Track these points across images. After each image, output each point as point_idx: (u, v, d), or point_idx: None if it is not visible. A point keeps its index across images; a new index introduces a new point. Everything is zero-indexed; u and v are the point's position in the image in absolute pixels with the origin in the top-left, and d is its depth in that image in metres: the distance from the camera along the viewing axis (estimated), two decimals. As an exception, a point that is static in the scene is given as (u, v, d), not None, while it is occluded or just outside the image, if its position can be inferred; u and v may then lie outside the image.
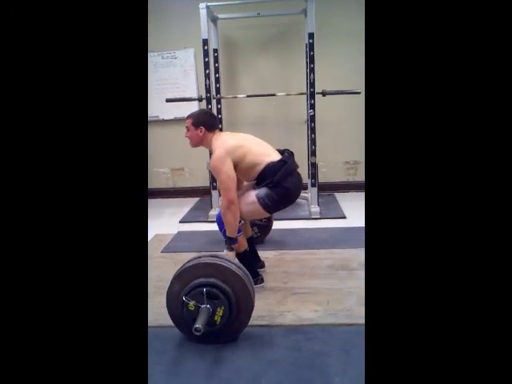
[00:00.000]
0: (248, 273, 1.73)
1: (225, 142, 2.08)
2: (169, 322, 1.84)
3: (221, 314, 1.59)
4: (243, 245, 2.16)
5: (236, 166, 2.04)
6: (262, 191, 2.06)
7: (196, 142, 2.16)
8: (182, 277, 1.68)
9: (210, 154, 2.16)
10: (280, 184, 2.04)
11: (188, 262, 1.72)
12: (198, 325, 1.49)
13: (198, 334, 1.47)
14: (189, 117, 2.15)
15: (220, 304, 1.59)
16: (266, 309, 1.93)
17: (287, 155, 2.14)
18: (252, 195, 2.08)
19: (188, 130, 2.13)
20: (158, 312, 1.94)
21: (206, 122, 2.13)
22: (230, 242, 2.06)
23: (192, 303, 1.59)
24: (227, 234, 2.06)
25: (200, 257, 1.73)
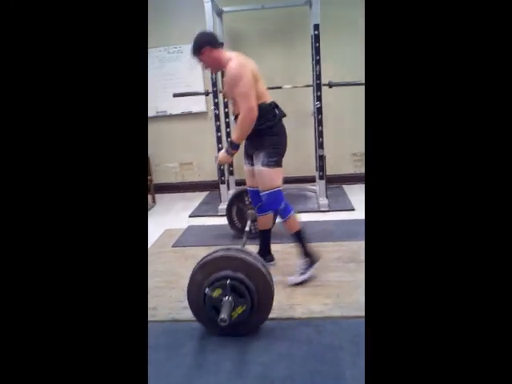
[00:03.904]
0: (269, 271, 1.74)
1: (243, 57, 2.00)
2: (181, 316, 1.88)
3: (240, 311, 1.60)
4: (297, 224, 2.13)
5: None
6: (260, 157, 2.03)
7: (214, 65, 2.06)
8: (207, 267, 1.67)
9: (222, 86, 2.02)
10: (272, 130, 2.01)
11: (214, 252, 1.71)
12: (224, 315, 1.50)
13: (223, 324, 1.49)
14: (193, 54, 2.02)
15: (243, 303, 1.60)
16: (276, 302, 1.95)
17: (274, 103, 2.07)
18: (260, 169, 2.04)
19: (202, 62, 2.03)
20: (170, 306, 1.98)
21: (207, 41, 1.99)
22: (233, 147, 2.02)
23: (217, 292, 1.59)
24: (234, 138, 2.00)
25: (229, 248, 1.73)
